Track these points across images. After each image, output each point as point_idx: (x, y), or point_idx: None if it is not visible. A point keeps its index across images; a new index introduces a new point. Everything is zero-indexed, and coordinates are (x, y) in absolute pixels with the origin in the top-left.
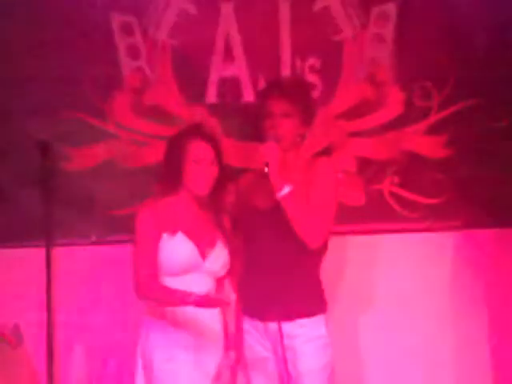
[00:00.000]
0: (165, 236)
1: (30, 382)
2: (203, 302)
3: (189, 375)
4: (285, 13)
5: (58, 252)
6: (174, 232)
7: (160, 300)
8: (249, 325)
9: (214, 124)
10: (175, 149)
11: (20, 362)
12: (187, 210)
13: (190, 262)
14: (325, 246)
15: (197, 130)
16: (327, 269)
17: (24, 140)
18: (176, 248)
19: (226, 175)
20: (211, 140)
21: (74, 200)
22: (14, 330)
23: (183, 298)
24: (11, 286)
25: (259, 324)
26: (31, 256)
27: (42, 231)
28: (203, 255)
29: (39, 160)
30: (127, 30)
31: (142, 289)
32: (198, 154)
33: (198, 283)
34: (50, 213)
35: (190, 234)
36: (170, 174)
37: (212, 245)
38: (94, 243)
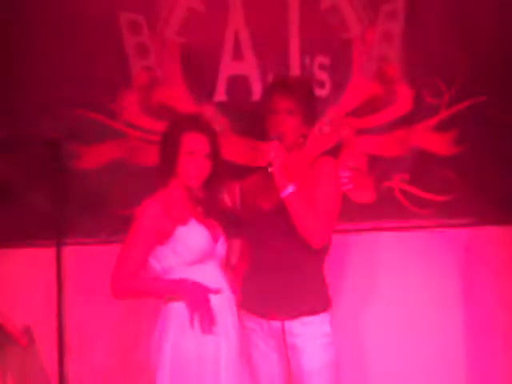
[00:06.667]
0: (178, 227)
1: (41, 382)
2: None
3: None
4: (293, 10)
5: (68, 251)
6: (185, 220)
7: (138, 293)
8: (253, 323)
9: (223, 122)
10: (170, 140)
11: (31, 362)
12: (185, 199)
13: (207, 247)
14: (328, 245)
15: (193, 122)
16: (334, 267)
17: (33, 139)
18: (192, 235)
19: (223, 171)
20: (207, 133)
21: (83, 198)
22: (24, 330)
23: (173, 286)
24: (22, 286)
25: (263, 322)
26: (41, 255)
27: (52, 230)
28: (215, 240)
29: (49, 158)
30: (135, 28)
31: (119, 287)
32: (193, 145)
33: (214, 272)
34: (60, 211)
35: (199, 220)
36: (164, 166)
37: (217, 230)
38: (103, 242)
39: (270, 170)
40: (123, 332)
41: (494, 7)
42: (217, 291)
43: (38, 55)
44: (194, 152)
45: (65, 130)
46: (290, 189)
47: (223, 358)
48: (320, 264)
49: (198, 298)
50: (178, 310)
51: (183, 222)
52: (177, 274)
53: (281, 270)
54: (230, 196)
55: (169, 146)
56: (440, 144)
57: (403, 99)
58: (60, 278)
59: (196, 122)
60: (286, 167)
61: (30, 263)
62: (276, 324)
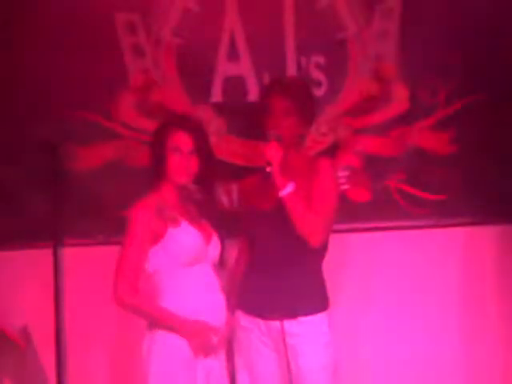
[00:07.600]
0: (169, 228)
1: (39, 383)
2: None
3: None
4: (289, 10)
5: (66, 252)
6: (177, 222)
7: (139, 312)
8: (250, 323)
9: (219, 123)
10: (157, 140)
11: (29, 363)
12: (176, 201)
13: (198, 248)
14: (326, 244)
15: (178, 121)
16: (332, 266)
17: (31, 140)
18: (184, 237)
19: (214, 169)
20: (192, 131)
21: (81, 199)
22: (22, 331)
23: (168, 319)
24: (20, 287)
25: (260, 322)
26: (39, 257)
27: (50, 231)
28: (207, 241)
29: (46, 160)
30: (132, 29)
31: (122, 294)
32: (176, 143)
33: (206, 274)
34: (58, 212)
35: (191, 222)
36: (153, 165)
37: (210, 232)
38: (101, 243)
39: (268, 169)
40: (121, 333)
41: (489, 5)
42: (217, 330)
43: (35, 57)
44: (177, 148)
45: (62, 131)
46: (289, 188)
47: (215, 363)
48: (318, 263)
49: (200, 339)
50: None
51: (174, 223)
52: (168, 276)
53: (279, 270)
54: (227, 196)
55: (156, 145)
56: (437, 143)
57: (399, 98)
58: (58, 280)
59: (182, 121)
60: (284, 167)
61: (27, 265)
62: (275, 324)
